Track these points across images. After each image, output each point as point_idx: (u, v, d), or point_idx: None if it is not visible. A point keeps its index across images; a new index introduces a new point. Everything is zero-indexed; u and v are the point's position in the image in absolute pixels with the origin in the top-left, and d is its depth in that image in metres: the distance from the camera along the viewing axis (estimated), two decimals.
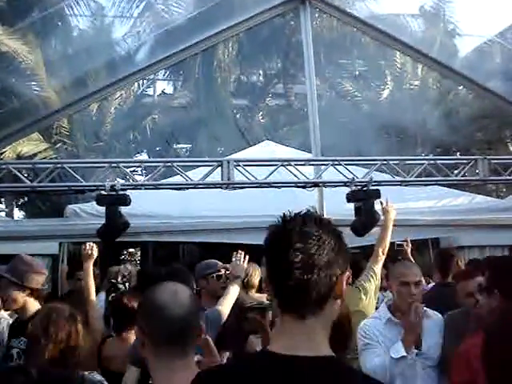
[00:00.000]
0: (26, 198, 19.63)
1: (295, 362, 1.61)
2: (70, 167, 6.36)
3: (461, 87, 16.02)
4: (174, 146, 21.74)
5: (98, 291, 7.31)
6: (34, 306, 4.23)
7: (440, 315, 4.22)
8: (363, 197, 6.33)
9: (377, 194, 6.29)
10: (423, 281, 4.44)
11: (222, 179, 6.39)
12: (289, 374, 1.60)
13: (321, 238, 1.69)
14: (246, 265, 4.87)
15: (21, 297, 4.21)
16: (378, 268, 5.33)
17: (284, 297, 1.71)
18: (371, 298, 5.26)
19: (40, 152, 17.28)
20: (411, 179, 6.83)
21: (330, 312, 1.71)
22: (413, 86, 20.05)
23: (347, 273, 1.74)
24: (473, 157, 7.27)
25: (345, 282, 1.73)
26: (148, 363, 2.11)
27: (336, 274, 1.70)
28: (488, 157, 7.10)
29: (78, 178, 6.34)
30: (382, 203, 5.99)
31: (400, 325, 3.98)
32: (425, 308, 4.08)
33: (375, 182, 6.50)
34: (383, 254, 5.36)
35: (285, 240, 1.69)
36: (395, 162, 6.92)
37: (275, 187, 6.65)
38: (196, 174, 6.78)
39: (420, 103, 18.59)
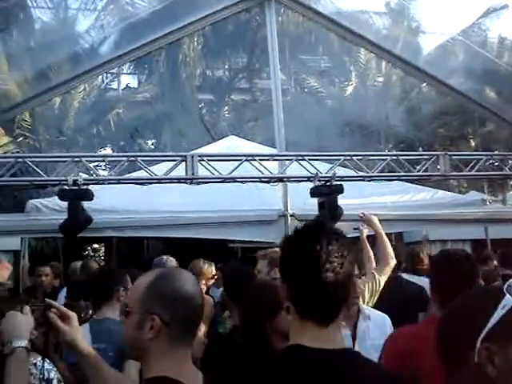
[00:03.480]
0: None
1: (327, 353, 1.79)
2: (31, 162, 6.27)
3: (424, 84, 16.22)
4: (138, 141, 21.60)
5: (62, 287, 7.27)
6: None
7: (383, 315, 4.18)
8: (327, 192, 6.38)
9: (340, 189, 6.36)
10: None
11: (186, 174, 6.38)
12: (323, 364, 1.76)
13: (343, 254, 1.85)
14: None
15: None
16: (383, 275, 4.94)
17: (311, 308, 1.86)
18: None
19: (1, 146, 16.98)
20: (374, 174, 6.92)
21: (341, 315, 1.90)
22: (377, 82, 20.26)
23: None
24: (434, 152, 7.37)
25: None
26: (151, 353, 1.98)
27: (353, 283, 1.91)
28: (449, 153, 7.21)
29: (40, 172, 6.26)
30: (361, 217, 5.77)
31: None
32: (362, 307, 4.10)
33: (338, 177, 6.56)
34: (392, 259, 5.11)
35: (315, 260, 1.83)
36: (358, 157, 6.99)
37: (239, 182, 6.66)
38: (160, 169, 6.74)
39: (384, 99, 18.81)
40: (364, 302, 4.54)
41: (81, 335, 2.48)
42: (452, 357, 1.72)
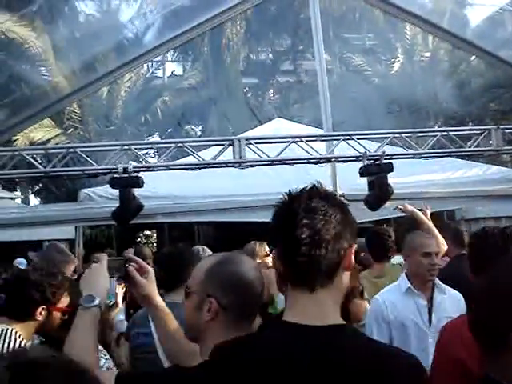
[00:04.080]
0: (40, 185, 19.81)
1: (307, 330, 1.66)
2: (82, 151, 6.37)
3: (473, 57, 15.83)
4: (185, 127, 21.75)
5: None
6: None
7: (457, 293, 4.15)
8: (376, 171, 6.28)
9: (390, 168, 6.25)
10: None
11: (233, 158, 6.37)
12: (300, 341, 1.64)
13: (327, 212, 1.72)
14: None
15: None
16: None
17: (293, 271, 1.74)
18: None
19: (52, 138, 17.38)
20: (424, 151, 6.77)
21: (340, 284, 1.75)
22: (424, 58, 19.90)
23: (355, 245, 1.77)
24: (486, 127, 7.18)
25: (353, 255, 1.75)
26: (208, 335, 2.00)
27: (344, 247, 1.73)
28: (501, 126, 7.02)
29: (91, 161, 6.35)
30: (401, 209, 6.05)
31: (419, 295, 4.05)
32: (438, 282, 4.14)
33: (388, 155, 6.44)
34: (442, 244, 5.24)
35: (291, 216, 1.72)
36: (408, 134, 6.85)
37: (287, 164, 6.63)
38: (208, 154, 6.77)
39: (432, 75, 18.45)
40: None
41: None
42: (489, 341, 1.60)
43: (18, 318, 3.07)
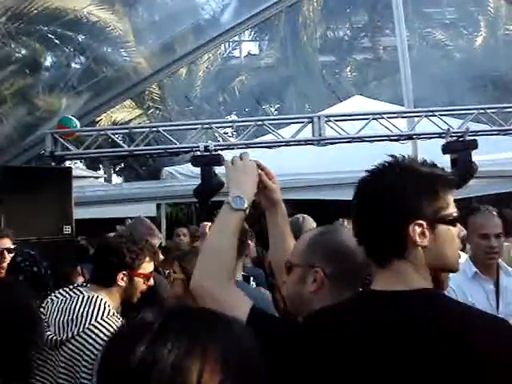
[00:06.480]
0: (122, 164, 20.36)
1: (395, 296, 1.65)
2: (164, 130, 6.53)
3: None
4: (263, 106, 21.80)
5: None
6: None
7: None
8: (460, 148, 6.12)
9: (474, 145, 6.09)
10: None
11: (313, 135, 6.37)
12: (391, 306, 1.63)
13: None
14: None
15: None
16: None
17: (373, 247, 1.74)
18: None
19: (134, 118, 17.79)
20: (510, 127, 6.56)
21: (415, 258, 1.67)
22: (508, 31, 19.11)
23: (422, 222, 1.65)
24: None
25: (418, 231, 1.64)
26: (313, 307, 1.93)
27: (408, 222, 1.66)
28: None
29: (173, 140, 6.50)
30: None
31: (486, 280, 3.82)
32: (503, 264, 3.93)
33: (472, 132, 6.27)
34: None
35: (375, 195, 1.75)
36: (492, 110, 6.65)
37: (368, 141, 6.56)
38: (286, 132, 6.78)
39: None
40: None
41: None
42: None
43: (102, 285, 3.14)
